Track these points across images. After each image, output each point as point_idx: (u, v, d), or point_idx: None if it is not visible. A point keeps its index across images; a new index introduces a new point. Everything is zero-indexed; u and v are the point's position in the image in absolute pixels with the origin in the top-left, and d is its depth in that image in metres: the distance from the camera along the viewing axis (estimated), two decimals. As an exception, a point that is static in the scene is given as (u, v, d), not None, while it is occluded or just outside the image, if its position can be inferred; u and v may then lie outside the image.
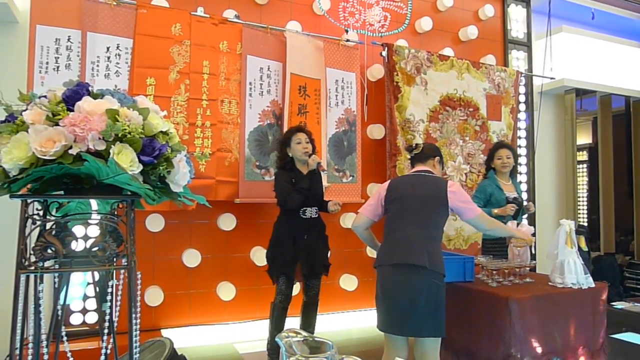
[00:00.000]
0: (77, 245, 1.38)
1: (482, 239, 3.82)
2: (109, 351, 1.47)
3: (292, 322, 3.34)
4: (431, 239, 2.42)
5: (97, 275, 2.40)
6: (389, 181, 2.69)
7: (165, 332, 3.58)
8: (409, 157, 2.80)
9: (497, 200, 3.60)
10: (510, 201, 3.59)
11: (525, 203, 3.80)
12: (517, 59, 5.51)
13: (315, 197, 3.28)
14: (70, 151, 1.23)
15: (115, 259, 1.40)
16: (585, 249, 5.24)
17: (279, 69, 4.07)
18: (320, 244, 3.32)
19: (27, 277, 1.30)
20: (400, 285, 2.36)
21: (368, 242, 2.76)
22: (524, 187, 5.37)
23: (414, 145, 2.76)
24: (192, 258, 3.78)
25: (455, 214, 2.58)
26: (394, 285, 2.39)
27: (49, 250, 1.29)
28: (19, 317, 1.28)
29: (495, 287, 2.67)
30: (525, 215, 5.30)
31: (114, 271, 1.48)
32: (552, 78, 5.53)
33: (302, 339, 1.03)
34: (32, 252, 1.29)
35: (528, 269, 2.93)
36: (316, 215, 3.31)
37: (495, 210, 3.52)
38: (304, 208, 3.24)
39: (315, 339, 1.02)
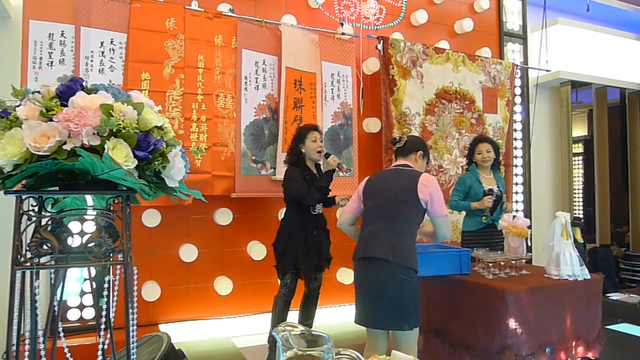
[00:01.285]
0: (73, 241, 1.37)
1: (462, 231, 3.83)
2: (106, 346, 1.47)
3: (291, 315, 3.36)
4: (399, 233, 2.44)
5: (93, 271, 2.40)
6: (368, 177, 2.73)
7: (162, 327, 3.59)
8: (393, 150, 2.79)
9: (475, 193, 3.62)
10: (486, 193, 3.60)
11: (504, 198, 3.79)
12: (513, 51, 5.51)
13: (325, 196, 3.32)
14: (64, 147, 1.22)
15: (111, 255, 1.39)
16: (581, 240, 5.27)
17: (275, 63, 4.05)
18: (325, 238, 3.38)
19: (23, 273, 1.30)
20: (365, 278, 2.47)
21: (356, 238, 2.76)
22: (519, 179, 5.39)
23: (397, 138, 2.77)
24: (189, 253, 3.78)
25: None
26: (361, 278, 2.50)
27: (45, 246, 1.29)
28: (15, 314, 1.28)
29: (491, 279, 2.68)
30: (521, 208, 5.35)
31: (111, 267, 1.48)
32: (547, 70, 5.54)
33: (299, 332, 1.03)
34: (27, 248, 1.28)
35: (524, 261, 2.95)
36: (322, 211, 3.36)
37: (475, 204, 3.56)
38: (317, 204, 3.29)
39: (312, 332, 1.02)
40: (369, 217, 2.57)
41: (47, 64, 3.33)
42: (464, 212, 3.80)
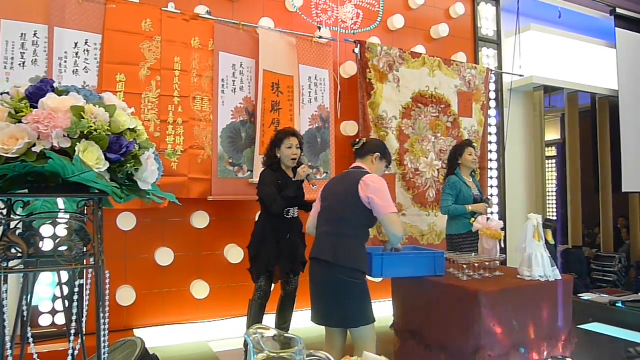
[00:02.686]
0: (44, 245, 1.35)
1: (447, 234, 3.89)
2: (77, 352, 1.44)
3: (268, 319, 3.34)
4: (341, 235, 2.52)
5: (66, 276, 2.36)
6: (328, 181, 2.86)
7: (138, 332, 3.54)
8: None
9: (464, 197, 3.73)
10: (483, 200, 3.78)
11: (481, 196, 3.93)
12: (488, 56, 5.61)
13: (299, 201, 3.31)
14: (33, 149, 1.21)
15: (83, 259, 1.37)
16: (552, 242, 5.38)
17: (252, 66, 4.05)
18: (300, 242, 3.35)
19: (-10, 278, 1.27)
20: (312, 278, 2.61)
21: None
22: (494, 182, 5.49)
23: (357, 140, 2.82)
24: (164, 256, 3.74)
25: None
26: (310, 278, 2.63)
27: (13, 250, 1.26)
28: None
29: (465, 281, 2.72)
30: (496, 211, 5.44)
31: (83, 271, 1.46)
32: (521, 75, 5.65)
33: (271, 335, 1.03)
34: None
35: (498, 262, 3.00)
36: (297, 215, 3.34)
37: (470, 207, 3.66)
38: (290, 209, 3.28)
39: (285, 335, 1.03)
40: (319, 220, 2.70)
41: (19, 65, 3.27)
42: (445, 216, 3.86)
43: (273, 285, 3.28)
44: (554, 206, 7.34)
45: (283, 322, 3.36)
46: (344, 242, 2.50)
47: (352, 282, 2.45)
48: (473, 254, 3.02)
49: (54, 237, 1.37)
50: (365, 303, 2.51)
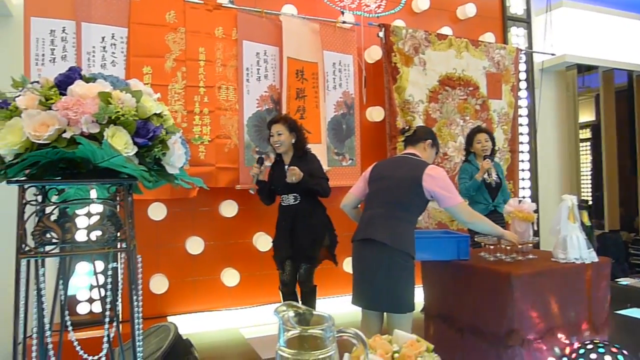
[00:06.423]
0: (77, 232, 1.38)
1: None
2: (112, 335, 1.47)
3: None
4: (397, 219, 2.49)
5: (101, 266, 2.42)
6: (375, 162, 2.78)
7: (171, 319, 3.60)
8: (401, 139, 2.81)
9: (475, 182, 3.73)
10: (486, 181, 3.73)
11: (504, 183, 3.91)
12: (517, 35, 5.45)
13: (287, 186, 3.19)
14: (64, 135, 1.23)
15: (115, 243, 1.40)
16: (588, 224, 5.22)
17: (276, 54, 4.04)
18: (304, 232, 3.23)
19: (28, 262, 1.31)
20: (362, 260, 2.54)
21: (356, 221, 2.81)
22: (525, 165, 5.36)
23: (407, 127, 2.80)
24: (195, 245, 3.80)
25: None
26: (358, 260, 2.57)
27: (48, 235, 1.30)
28: (22, 302, 1.29)
29: (498, 264, 2.67)
30: (528, 194, 5.31)
31: (117, 256, 1.49)
32: (552, 54, 5.48)
33: (300, 313, 1.03)
34: (31, 237, 1.29)
35: (531, 245, 2.93)
36: (296, 202, 3.26)
37: (477, 175, 3.67)
38: (282, 196, 3.32)
39: (314, 312, 1.02)
40: (371, 201, 2.63)
41: (50, 61, 3.34)
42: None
43: (289, 278, 3.30)
44: (589, 189, 7.13)
45: None
46: (399, 225, 2.48)
47: (405, 266, 2.43)
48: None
49: (88, 228, 1.40)
50: (413, 289, 2.49)
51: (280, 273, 3.32)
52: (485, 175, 3.72)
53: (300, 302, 3.38)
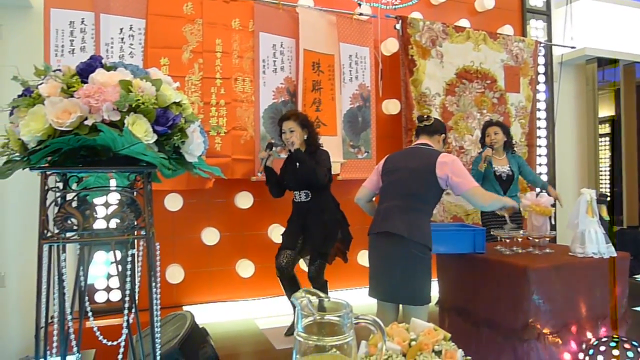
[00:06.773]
0: (97, 221, 1.40)
1: (481, 211, 3.93)
2: (131, 320, 1.50)
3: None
4: (413, 210, 2.48)
5: (119, 254, 2.44)
6: (388, 155, 2.77)
7: (186, 309, 3.64)
8: (419, 126, 2.78)
9: (486, 173, 3.77)
10: (497, 175, 3.79)
11: (516, 176, 3.90)
12: (536, 28, 5.36)
13: (298, 182, 3.27)
14: (85, 122, 1.25)
15: (134, 230, 1.42)
16: (607, 218, 5.15)
17: (292, 46, 4.04)
18: (316, 228, 3.23)
19: (50, 248, 1.33)
20: (379, 253, 2.54)
21: (371, 214, 2.80)
22: (543, 160, 5.29)
23: (425, 116, 2.79)
24: (211, 236, 3.83)
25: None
26: (374, 252, 2.58)
27: (69, 221, 1.32)
28: (44, 287, 1.31)
29: (514, 258, 2.65)
30: (543, 190, 5.25)
31: (134, 244, 1.51)
32: (572, 47, 5.38)
33: (318, 299, 1.03)
34: (53, 223, 1.32)
35: (547, 239, 2.90)
36: (307, 199, 3.28)
37: (479, 165, 3.71)
38: (294, 192, 3.35)
39: (332, 299, 1.02)
40: (386, 194, 2.62)
41: (69, 52, 3.38)
42: None
43: (284, 262, 3.23)
44: (607, 185, 7.01)
45: None
46: (416, 217, 2.47)
47: (422, 258, 2.43)
48: (521, 232, 2.93)
49: (107, 217, 1.42)
50: (430, 281, 2.49)
51: (276, 257, 3.27)
52: (496, 167, 3.74)
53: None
